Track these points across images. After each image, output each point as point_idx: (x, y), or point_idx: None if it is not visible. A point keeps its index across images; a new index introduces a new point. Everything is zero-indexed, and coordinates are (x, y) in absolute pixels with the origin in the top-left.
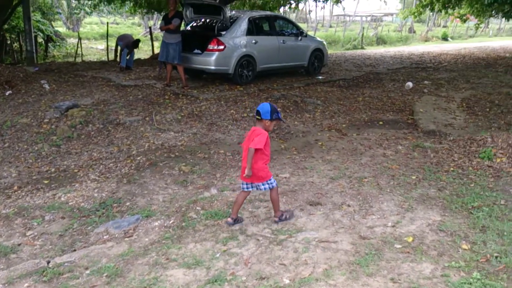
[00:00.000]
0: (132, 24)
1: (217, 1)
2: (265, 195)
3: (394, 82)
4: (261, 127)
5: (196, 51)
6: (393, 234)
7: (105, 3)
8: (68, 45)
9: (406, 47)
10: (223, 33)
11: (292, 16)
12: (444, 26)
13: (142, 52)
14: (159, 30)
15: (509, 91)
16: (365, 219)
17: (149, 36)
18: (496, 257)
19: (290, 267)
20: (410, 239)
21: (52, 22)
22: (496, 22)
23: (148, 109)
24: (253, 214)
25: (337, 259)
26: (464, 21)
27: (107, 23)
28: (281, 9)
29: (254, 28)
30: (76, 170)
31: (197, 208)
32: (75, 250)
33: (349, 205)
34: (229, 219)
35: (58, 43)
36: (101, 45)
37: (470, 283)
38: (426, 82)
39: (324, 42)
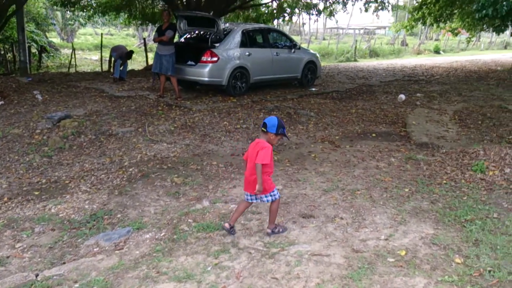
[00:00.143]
0: (126, 35)
1: (211, 13)
2: (257, 207)
3: (387, 95)
4: (265, 139)
5: (189, 62)
6: (386, 247)
7: (100, 14)
8: (62, 56)
9: (398, 60)
10: (216, 45)
11: (286, 29)
12: (436, 40)
13: (136, 63)
14: (153, 42)
15: (500, 104)
16: (358, 232)
17: (143, 47)
18: (490, 271)
19: (282, 281)
20: (403, 253)
21: (47, 33)
22: (487, 36)
23: (141, 120)
24: (245, 226)
25: (329, 273)
26: (456, 34)
27: (101, 34)
28: (275, 22)
29: (248, 40)
30: (67, 181)
31: (189, 220)
32: (64, 263)
33: (342, 218)
34: (227, 224)
35: (52, 54)
36: (95, 56)
37: None
38: (418, 94)
39: (317, 55)
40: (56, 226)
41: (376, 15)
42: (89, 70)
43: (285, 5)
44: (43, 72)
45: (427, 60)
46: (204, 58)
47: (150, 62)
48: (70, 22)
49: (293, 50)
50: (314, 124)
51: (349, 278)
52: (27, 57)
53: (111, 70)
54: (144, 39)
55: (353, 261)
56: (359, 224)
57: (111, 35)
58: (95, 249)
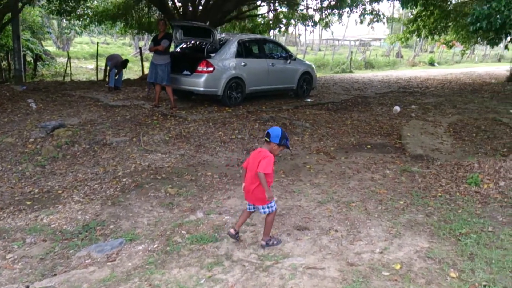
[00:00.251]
0: (122, 44)
1: (207, 23)
2: (252, 218)
3: (382, 106)
4: (267, 149)
5: (185, 72)
6: (381, 261)
7: (96, 23)
8: (58, 64)
9: (393, 72)
10: (212, 55)
11: (282, 40)
12: (431, 52)
13: (132, 73)
14: (149, 51)
15: (495, 116)
16: (352, 245)
17: (139, 56)
18: (485, 286)
19: None
20: (398, 266)
21: (42, 41)
22: (482, 49)
23: (135, 130)
24: (239, 238)
25: (324, 287)
26: (450, 47)
27: (97, 43)
28: (271, 33)
29: (244, 50)
30: (60, 191)
31: (182, 232)
32: (55, 275)
33: (336, 230)
34: (232, 230)
35: (47, 62)
36: (91, 65)
37: None
38: (413, 106)
39: (313, 66)
40: (48, 237)
41: (371, 27)
42: (84, 79)
43: (281, 16)
44: (38, 81)
45: (422, 72)
46: (199, 68)
47: (146, 71)
48: (66, 30)
49: (288, 61)
50: (309, 135)
51: None
52: (22, 65)
53: (107, 79)
54: (140, 48)
55: (347, 275)
56: (354, 236)
57: (107, 44)
58: (87, 261)
